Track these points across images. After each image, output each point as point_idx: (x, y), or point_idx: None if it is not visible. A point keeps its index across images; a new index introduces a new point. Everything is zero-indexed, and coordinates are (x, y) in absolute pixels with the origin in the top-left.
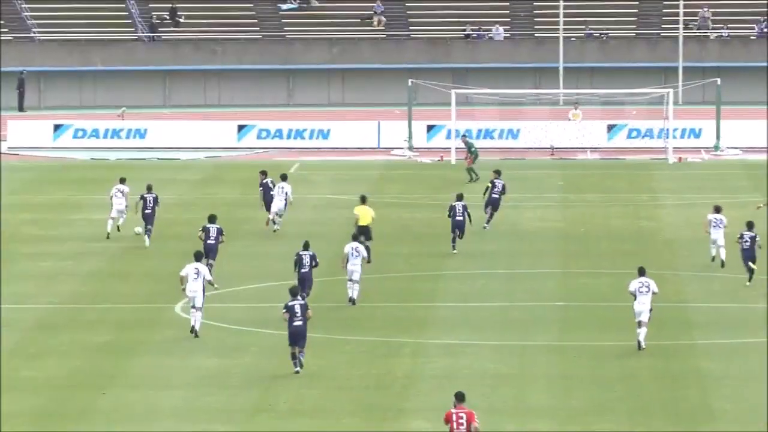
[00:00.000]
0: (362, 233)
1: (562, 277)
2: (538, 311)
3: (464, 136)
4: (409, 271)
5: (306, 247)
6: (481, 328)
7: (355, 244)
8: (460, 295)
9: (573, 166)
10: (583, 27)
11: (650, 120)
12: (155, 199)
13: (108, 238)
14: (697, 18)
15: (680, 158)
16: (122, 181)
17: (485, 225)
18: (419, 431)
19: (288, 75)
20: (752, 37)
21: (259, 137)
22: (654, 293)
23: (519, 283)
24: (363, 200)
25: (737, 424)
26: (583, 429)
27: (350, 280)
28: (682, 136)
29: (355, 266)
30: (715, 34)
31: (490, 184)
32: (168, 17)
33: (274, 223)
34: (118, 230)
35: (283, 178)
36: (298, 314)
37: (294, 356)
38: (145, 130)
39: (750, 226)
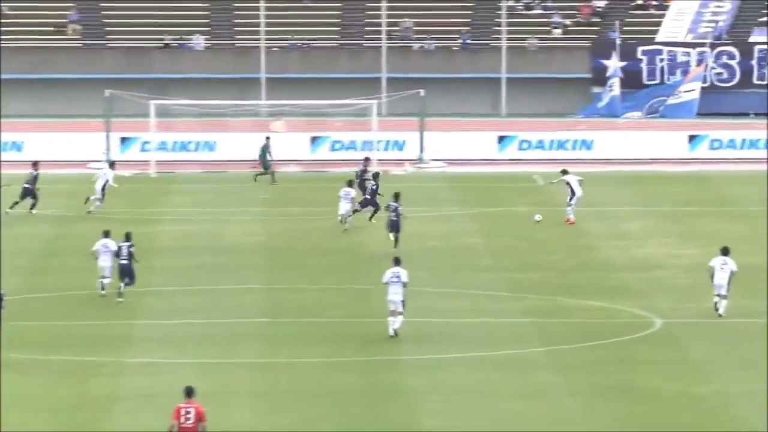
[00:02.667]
0: None
1: (266, 292)
2: (242, 327)
3: (268, 137)
4: (109, 288)
5: (127, 238)
6: (183, 345)
7: (105, 240)
8: (161, 312)
9: (277, 179)
10: (286, 37)
11: (354, 132)
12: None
13: None
14: (399, 29)
15: (384, 171)
16: None
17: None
18: None
19: None
20: (455, 49)
21: None
22: (404, 283)
23: (222, 298)
24: None
25: None
26: None
27: (103, 277)
28: (386, 149)
29: (105, 262)
30: (419, 45)
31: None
32: None
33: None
34: None
35: (111, 165)
36: None
37: None
38: None
39: (396, 197)
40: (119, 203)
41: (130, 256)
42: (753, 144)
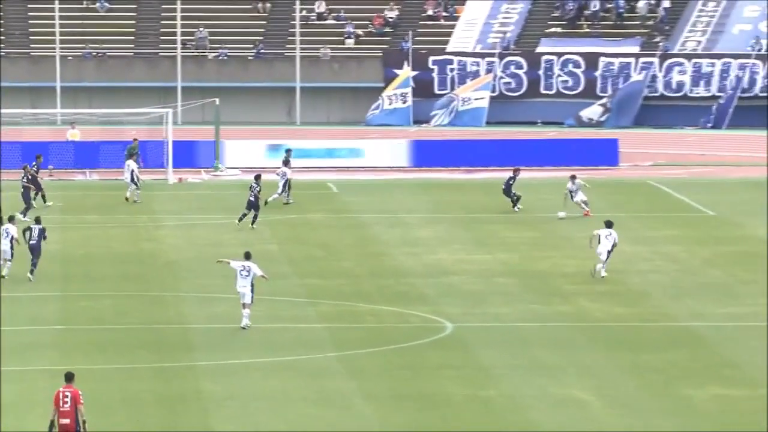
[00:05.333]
0: None
1: (61, 300)
2: (38, 335)
3: (135, 139)
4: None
5: (38, 221)
6: None
7: (6, 225)
8: None
9: (72, 187)
10: (80, 45)
11: (150, 140)
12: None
13: None
14: (194, 38)
15: (180, 179)
16: None
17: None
18: None
19: None
20: (250, 58)
21: None
22: (255, 275)
23: (17, 307)
24: None
25: None
26: None
27: (5, 260)
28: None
29: (5, 246)
30: (214, 54)
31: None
32: None
33: None
34: None
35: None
36: None
37: None
38: None
39: (257, 179)
40: None
41: (41, 235)
42: None
